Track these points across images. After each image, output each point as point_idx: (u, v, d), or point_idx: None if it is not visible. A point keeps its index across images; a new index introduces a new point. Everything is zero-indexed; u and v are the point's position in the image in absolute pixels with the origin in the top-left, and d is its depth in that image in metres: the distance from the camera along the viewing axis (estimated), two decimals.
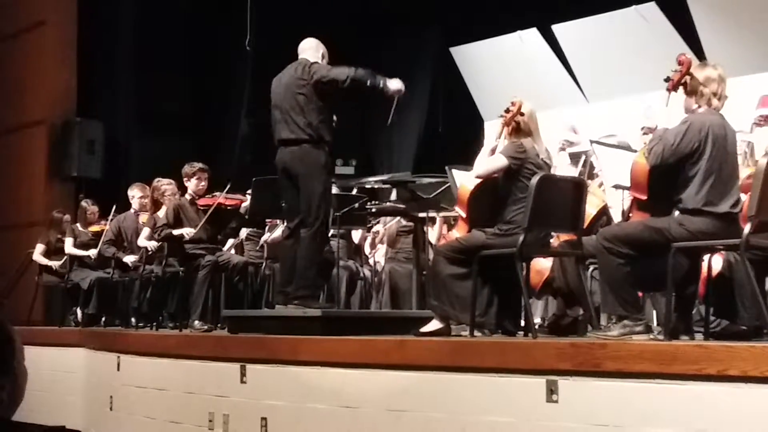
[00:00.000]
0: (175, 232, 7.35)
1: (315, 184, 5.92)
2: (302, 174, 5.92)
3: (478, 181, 5.34)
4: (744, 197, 4.58)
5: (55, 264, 9.26)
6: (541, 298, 6.43)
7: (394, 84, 5.91)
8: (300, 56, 6.14)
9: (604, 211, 6.10)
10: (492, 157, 5.28)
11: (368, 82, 5.85)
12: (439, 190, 6.73)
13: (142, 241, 7.87)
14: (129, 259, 8.27)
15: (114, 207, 8.80)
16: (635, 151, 5.28)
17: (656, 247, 4.46)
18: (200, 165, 7.62)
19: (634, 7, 9.27)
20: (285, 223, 6.28)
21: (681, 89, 4.62)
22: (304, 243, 5.93)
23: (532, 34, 10.38)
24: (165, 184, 7.99)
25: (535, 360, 4.30)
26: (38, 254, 9.41)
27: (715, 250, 4.70)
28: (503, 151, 5.23)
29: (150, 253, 7.71)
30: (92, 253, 8.88)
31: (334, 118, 6.07)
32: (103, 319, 8.89)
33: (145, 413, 6.70)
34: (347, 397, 5.06)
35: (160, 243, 7.49)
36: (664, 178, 4.56)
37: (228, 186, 7.56)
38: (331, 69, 5.94)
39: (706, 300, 4.89)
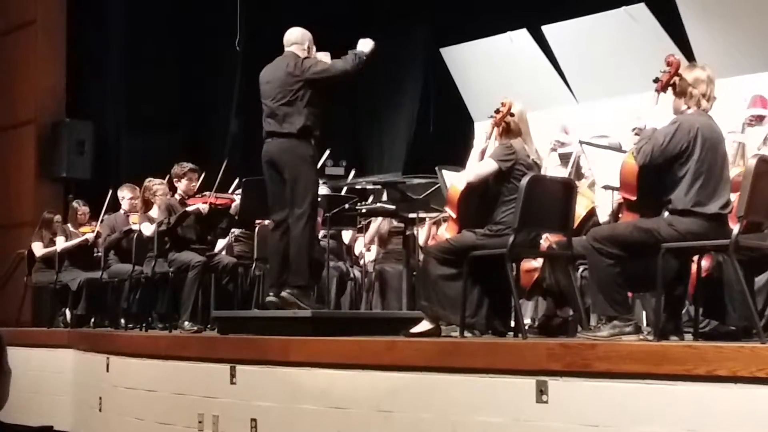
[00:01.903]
0: (190, 208, 7.34)
1: (302, 174, 5.93)
2: (289, 165, 5.93)
3: (465, 175, 5.34)
4: (734, 198, 4.60)
5: (57, 247, 9.10)
6: (531, 299, 6.43)
7: (367, 46, 6.04)
8: (287, 49, 6.14)
9: (593, 212, 6.11)
10: (482, 162, 5.26)
11: (357, 65, 5.99)
12: (429, 191, 6.74)
13: (149, 228, 7.69)
14: (146, 229, 7.73)
15: (105, 206, 8.76)
16: (625, 152, 5.29)
17: (646, 248, 4.47)
18: (190, 165, 7.62)
19: (623, 8, 9.29)
20: (271, 216, 6.26)
21: (670, 90, 4.63)
22: (295, 231, 5.91)
23: (522, 35, 10.39)
24: (156, 184, 7.97)
25: (525, 360, 4.31)
26: (39, 249, 9.32)
27: (704, 250, 4.70)
28: (492, 155, 5.22)
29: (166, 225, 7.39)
30: (89, 236, 8.85)
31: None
32: (93, 320, 8.86)
33: (135, 414, 6.68)
34: (337, 398, 5.06)
35: (171, 228, 7.34)
36: (653, 178, 4.57)
37: (224, 164, 7.53)
38: (325, 67, 5.99)
39: (695, 300, 4.90)
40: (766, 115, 7.09)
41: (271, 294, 6.05)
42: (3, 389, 2.21)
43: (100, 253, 8.71)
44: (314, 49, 6.15)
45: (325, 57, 6.11)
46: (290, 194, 5.94)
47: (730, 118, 6.23)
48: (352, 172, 8.07)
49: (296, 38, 6.14)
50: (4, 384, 2.21)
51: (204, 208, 7.34)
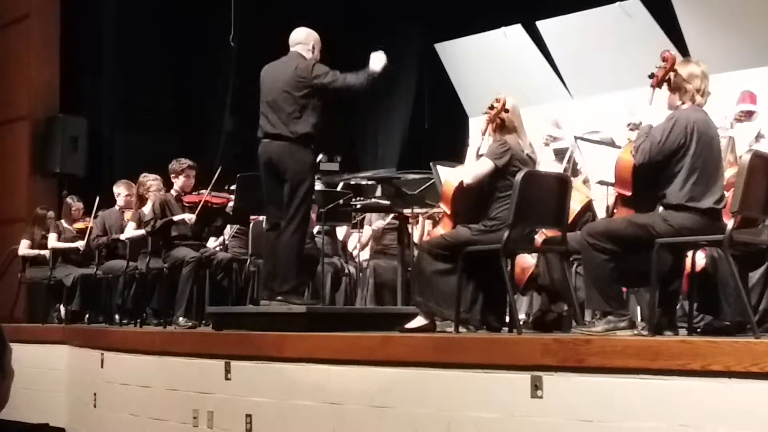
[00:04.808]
0: (176, 218, 7.33)
1: (303, 181, 5.92)
2: (292, 170, 5.90)
3: (463, 177, 5.33)
4: (728, 196, 4.60)
5: (45, 252, 9.12)
6: (526, 294, 6.44)
7: (378, 64, 5.96)
8: (292, 49, 6.10)
9: (588, 207, 6.12)
10: (478, 162, 5.26)
11: (366, 84, 5.95)
12: (423, 186, 6.73)
13: (130, 232, 7.79)
14: (127, 234, 8.00)
15: (96, 202, 8.73)
16: (619, 147, 5.29)
17: (640, 243, 4.47)
18: (188, 162, 7.60)
19: (618, 3, 9.29)
20: (266, 218, 6.26)
21: (665, 85, 4.63)
22: (285, 237, 5.91)
23: (517, 31, 10.38)
24: (151, 180, 7.96)
25: (520, 356, 4.31)
26: (24, 248, 9.33)
27: (698, 245, 4.71)
28: (488, 154, 5.22)
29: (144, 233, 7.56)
30: (80, 244, 8.81)
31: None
32: (87, 315, 8.84)
33: (129, 410, 6.68)
34: (332, 394, 5.06)
35: (155, 232, 7.36)
36: (648, 174, 4.57)
37: (218, 171, 7.51)
38: (335, 78, 5.92)
39: (689, 296, 4.91)
40: (755, 111, 7.10)
41: (264, 299, 6.09)
42: (6, 390, 2.18)
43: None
44: (318, 49, 6.11)
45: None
46: (288, 199, 5.93)
47: (720, 113, 6.24)
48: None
49: (302, 38, 6.10)
50: (5, 386, 2.18)
51: (191, 218, 7.31)
